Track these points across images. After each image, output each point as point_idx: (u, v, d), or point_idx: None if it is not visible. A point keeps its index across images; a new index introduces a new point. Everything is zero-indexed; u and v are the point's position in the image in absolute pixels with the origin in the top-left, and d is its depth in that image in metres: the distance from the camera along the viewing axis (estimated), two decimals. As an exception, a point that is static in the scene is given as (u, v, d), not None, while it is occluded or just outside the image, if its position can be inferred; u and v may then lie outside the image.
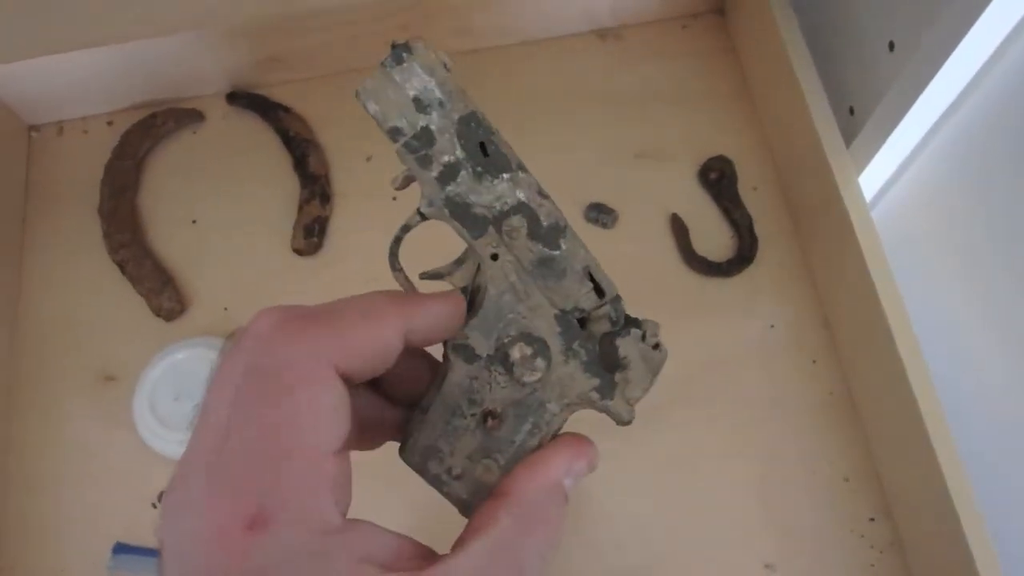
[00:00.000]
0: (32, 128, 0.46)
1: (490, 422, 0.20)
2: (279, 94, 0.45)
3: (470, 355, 0.20)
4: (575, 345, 0.20)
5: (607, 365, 0.20)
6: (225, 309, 0.41)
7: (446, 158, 0.19)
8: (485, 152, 0.19)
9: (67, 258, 0.43)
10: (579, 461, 0.20)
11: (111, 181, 0.43)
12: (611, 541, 0.36)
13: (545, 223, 0.20)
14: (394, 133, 0.19)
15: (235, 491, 0.15)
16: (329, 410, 0.16)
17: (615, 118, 0.44)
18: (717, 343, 0.39)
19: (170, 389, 0.37)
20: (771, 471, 0.37)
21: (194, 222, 0.43)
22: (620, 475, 0.37)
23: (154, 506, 0.38)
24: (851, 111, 0.39)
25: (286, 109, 0.45)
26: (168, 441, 0.37)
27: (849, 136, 0.38)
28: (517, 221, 0.19)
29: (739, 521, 0.36)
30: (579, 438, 0.21)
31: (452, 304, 0.20)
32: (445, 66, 0.20)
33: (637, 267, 0.41)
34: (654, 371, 0.20)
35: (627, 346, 0.20)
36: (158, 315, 0.40)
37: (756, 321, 0.40)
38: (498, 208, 0.19)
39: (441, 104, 0.19)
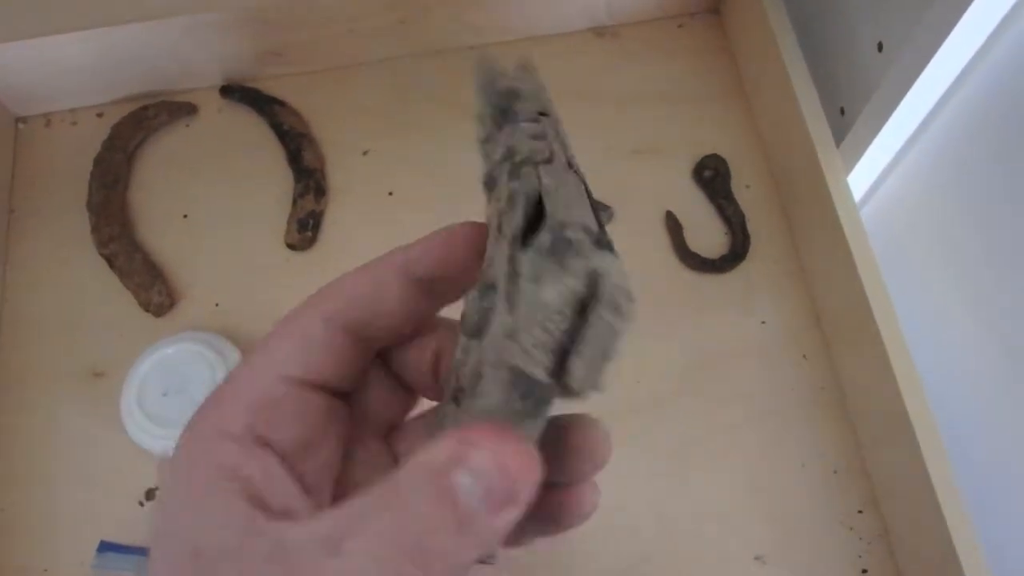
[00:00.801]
0: (19, 119, 0.45)
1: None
2: (274, 88, 0.45)
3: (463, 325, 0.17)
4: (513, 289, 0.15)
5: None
6: (216, 304, 0.41)
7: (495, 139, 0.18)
8: (504, 115, 0.19)
9: (54, 252, 0.42)
10: (474, 459, 0.13)
11: (100, 174, 0.42)
12: (602, 534, 0.36)
13: (518, 159, 0.17)
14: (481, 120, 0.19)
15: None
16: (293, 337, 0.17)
17: (611, 115, 0.44)
18: (709, 338, 0.40)
19: (159, 385, 0.37)
20: (762, 464, 0.37)
21: (185, 216, 0.43)
22: (611, 468, 0.37)
23: (141, 504, 0.37)
24: (841, 111, 0.40)
25: (281, 103, 0.44)
26: (156, 437, 0.36)
27: (839, 135, 0.39)
28: (503, 168, 0.17)
29: (730, 514, 0.36)
30: (498, 431, 0.14)
31: (458, 234, 0.18)
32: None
33: (632, 263, 0.41)
34: (605, 350, 0.14)
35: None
36: (147, 310, 0.40)
37: (748, 317, 0.40)
38: (495, 160, 0.18)
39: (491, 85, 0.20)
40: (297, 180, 0.43)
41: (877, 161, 0.40)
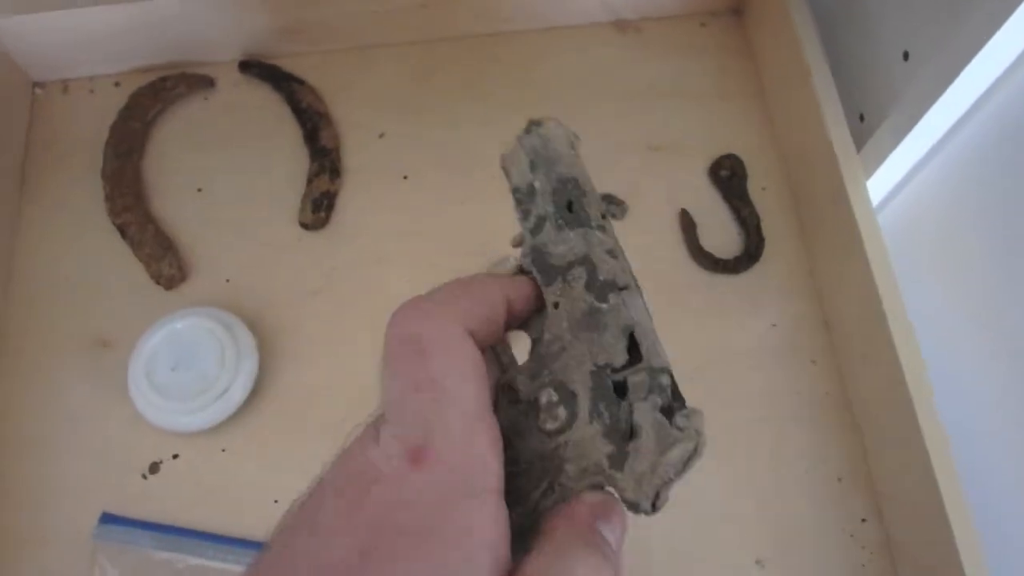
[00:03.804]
0: (36, 85, 0.45)
1: (508, 468, 0.18)
2: (293, 65, 0.45)
3: (513, 397, 0.20)
4: (602, 407, 0.19)
5: (623, 432, 0.18)
6: (227, 280, 0.41)
7: (539, 211, 0.21)
8: (571, 209, 0.21)
9: (66, 219, 0.42)
10: (607, 513, 0.18)
11: (116, 143, 0.42)
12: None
13: (602, 277, 0.20)
14: (514, 192, 0.22)
15: (400, 427, 0.16)
16: (471, 369, 0.17)
17: (629, 110, 0.44)
18: (719, 339, 0.39)
19: (168, 358, 0.37)
20: (767, 468, 0.37)
21: (200, 190, 0.43)
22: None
23: (144, 477, 0.37)
24: (861, 118, 0.39)
25: (299, 81, 0.44)
26: (163, 411, 0.36)
27: (858, 143, 0.39)
28: (579, 272, 0.20)
29: (733, 517, 0.36)
30: (605, 495, 0.18)
31: (528, 285, 0.21)
32: (571, 143, 0.22)
33: (644, 260, 0.40)
34: (663, 449, 0.18)
35: (643, 413, 0.18)
36: (157, 282, 0.40)
37: (759, 319, 0.40)
38: (567, 259, 0.20)
39: (549, 164, 0.21)
40: (313, 159, 0.42)
41: (896, 170, 0.40)
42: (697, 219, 0.41)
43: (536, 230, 0.21)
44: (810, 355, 0.39)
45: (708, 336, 0.39)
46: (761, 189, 0.42)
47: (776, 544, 0.36)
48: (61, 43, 0.43)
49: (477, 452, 0.16)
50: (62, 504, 0.36)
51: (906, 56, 0.35)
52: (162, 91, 0.43)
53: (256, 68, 0.44)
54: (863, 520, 0.36)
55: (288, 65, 0.45)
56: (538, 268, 0.21)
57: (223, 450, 0.37)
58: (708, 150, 0.43)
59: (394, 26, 0.44)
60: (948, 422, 0.32)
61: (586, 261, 0.20)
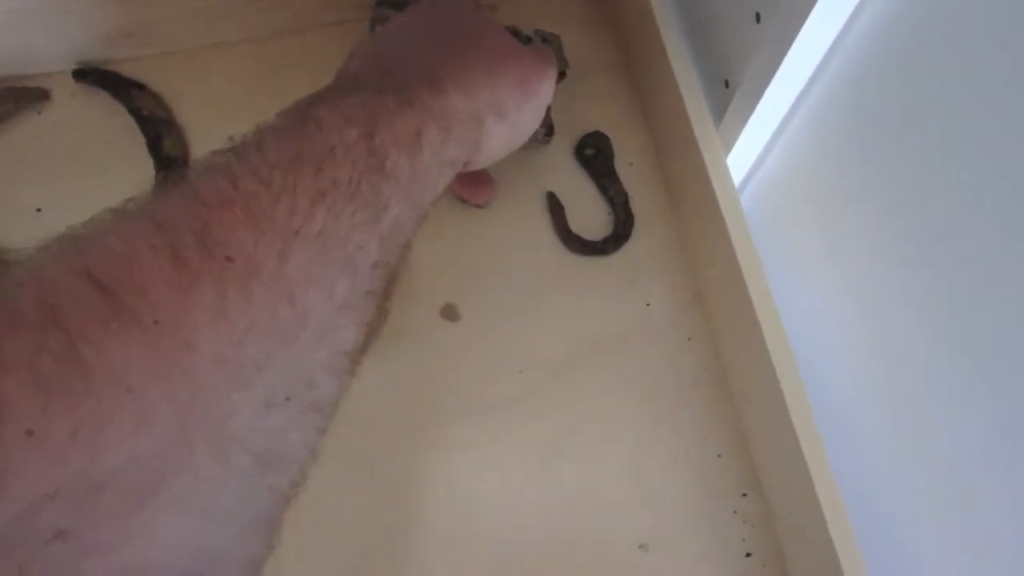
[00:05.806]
0: None
1: None
2: (133, 70, 0.42)
3: None
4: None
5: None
6: (72, 304, 0.38)
7: None
8: None
9: None
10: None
11: (-59, 167, 0.39)
12: (485, 527, 0.35)
13: None
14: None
15: None
16: None
17: (491, 93, 0.42)
18: (593, 323, 0.38)
19: None
20: (647, 450, 0.36)
21: (39, 210, 0.40)
22: (494, 458, 0.36)
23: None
24: (726, 84, 0.38)
25: (140, 86, 0.42)
26: None
27: (723, 110, 0.38)
28: None
29: (613, 502, 0.35)
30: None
31: None
32: None
33: (513, 247, 0.39)
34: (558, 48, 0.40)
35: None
36: (-6, 313, 0.37)
37: (633, 300, 0.39)
38: None
39: None
40: (157, 169, 0.40)
41: (758, 136, 0.39)
42: (565, 201, 0.40)
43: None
44: (686, 332, 0.38)
45: (582, 320, 0.38)
46: (629, 165, 0.41)
47: (659, 527, 0.35)
48: None
49: None
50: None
51: (758, 18, 0.34)
52: (-11, 108, 0.40)
53: (92, 75, 0.42)
54: (744, 495, 0.36)
55: (128, 70, 0.42)
56: None
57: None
58: (574, 129, 0.41)
59: (229, 23, 0.42)
60: (816, 393, 0.32)
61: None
